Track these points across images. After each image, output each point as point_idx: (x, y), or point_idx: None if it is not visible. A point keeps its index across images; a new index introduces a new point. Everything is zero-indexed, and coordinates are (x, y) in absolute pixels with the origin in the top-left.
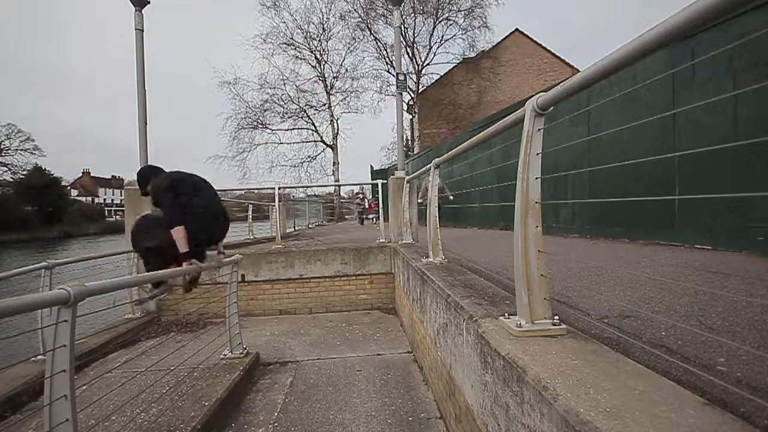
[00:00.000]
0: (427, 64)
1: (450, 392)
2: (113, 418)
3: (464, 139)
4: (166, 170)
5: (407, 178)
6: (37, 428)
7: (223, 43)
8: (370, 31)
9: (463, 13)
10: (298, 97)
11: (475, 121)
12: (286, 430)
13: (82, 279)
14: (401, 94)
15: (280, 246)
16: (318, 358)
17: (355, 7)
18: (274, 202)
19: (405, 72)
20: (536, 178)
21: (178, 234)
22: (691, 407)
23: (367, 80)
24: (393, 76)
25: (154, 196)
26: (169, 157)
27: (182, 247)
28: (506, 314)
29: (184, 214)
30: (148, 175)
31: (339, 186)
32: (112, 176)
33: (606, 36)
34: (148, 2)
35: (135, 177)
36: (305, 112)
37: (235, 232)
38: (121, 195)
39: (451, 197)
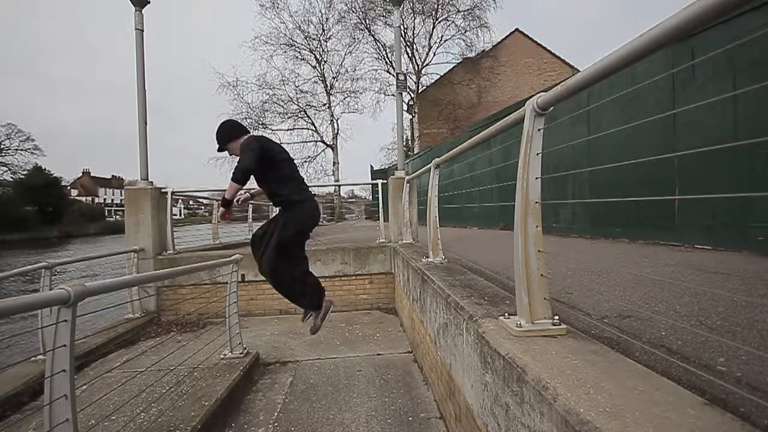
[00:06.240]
0: (427, 64)
1: (450, 392)
2: (113, 418)
3: (464, 139)
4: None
5: (407, 178)
6: (37, 428)
7: (223, 43)
8: (370, 32)
9: (462, 14)
10: (298, 98)
11: (475, 121)
12: (286, 430)
13: (82, 279)
14: (401, 94)
15: None
16: (318, 358)
17: (354, 8)
18: None
19: (405, 72)
20: (536, 178)
21: (233, 188)
22: (691, 407)
23: (367, 80)
24: (393, 76)
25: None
26: (169, 155)
27: (228, 195)
28: (506, 314)
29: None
30: (238, 128)
31: (339, 186)
32: (112, 176)
33: (606, 36)
34: (148, 2)
35: (135, 173)
36: (305, 112)
37: (235, 232)
38: (121, 195)
39: None
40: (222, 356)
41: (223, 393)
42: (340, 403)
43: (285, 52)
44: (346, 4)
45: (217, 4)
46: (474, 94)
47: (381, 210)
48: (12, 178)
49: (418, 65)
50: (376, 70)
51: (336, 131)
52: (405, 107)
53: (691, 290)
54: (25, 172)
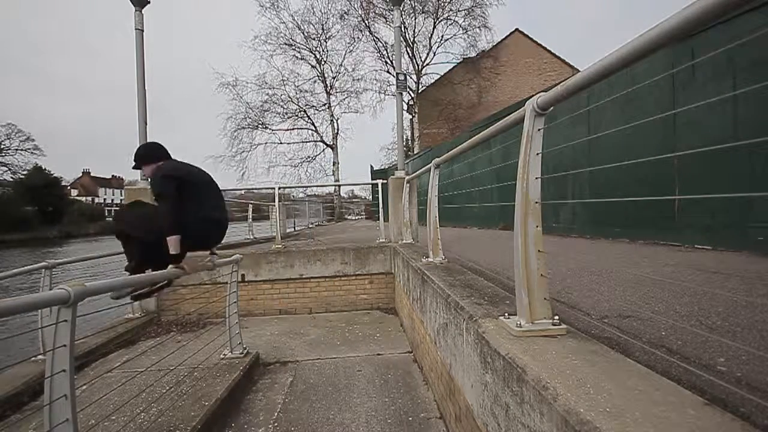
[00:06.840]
0: (427, 64)
1: (450, 392)
2: (113, 418)
3: (464, 139)
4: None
5: (407, 178)
6: (37, 428)
7: (223, 43)
8: (370, 31)
9: (463, 12)
10: (298, 97)
11: (475, 121)
12: (286, 430)
13: (82, 279)
14: (401, 94)
15: (280, 246)
16: (318, 358)
17: (355, 7)
18: (274, 202)
19: (405, 72)
20: (536, 178)
21: (174, 241)
22: (691, 407)
23: (367, 80)
24: (393, 75)
25: (153, 185)
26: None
27: (174, 249)
28: (506, 314)
29: (184, 216)
30: (155, 152)
31: (339, 186)
32: (112, 176)
33: (606, 36)
34: (148, 2)
35: (135, 173)
36: (305, 112)
37: (235, 232)
38: (121, 195)
39: None
40: (222, 356)
41: (223, 393)
42: (340, 403)
43: (285, 51)
44: (348, 1)
45: (217, 4)
46: (474, 94)
47: (381, 210)
48: (12, 178)
49: (418, 65)
50: (377, 70)
51: (336, 131)
52: (405, 107)
53: (691, 290)
54: (25, 172)
